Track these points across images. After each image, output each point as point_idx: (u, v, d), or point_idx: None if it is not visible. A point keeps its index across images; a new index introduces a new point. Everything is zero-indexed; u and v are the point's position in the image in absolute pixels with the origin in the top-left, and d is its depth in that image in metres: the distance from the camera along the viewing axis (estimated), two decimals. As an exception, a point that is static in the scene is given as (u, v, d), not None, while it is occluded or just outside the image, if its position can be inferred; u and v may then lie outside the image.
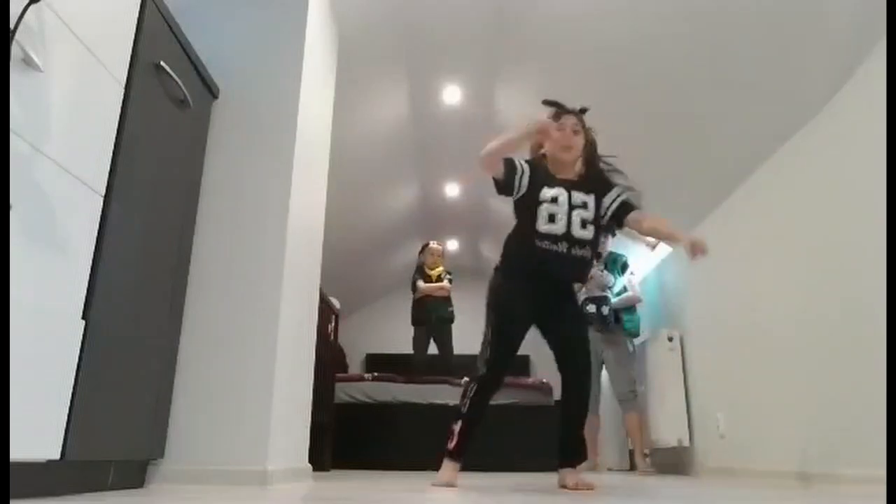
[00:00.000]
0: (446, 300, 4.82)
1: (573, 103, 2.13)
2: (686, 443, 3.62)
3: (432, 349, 4.80)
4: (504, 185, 2.05)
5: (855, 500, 1.50)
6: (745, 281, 3.05)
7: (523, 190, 2.03)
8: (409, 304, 4.87)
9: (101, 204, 1.34)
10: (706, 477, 3.24)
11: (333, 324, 3.57)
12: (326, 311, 3.23)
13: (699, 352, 3.65)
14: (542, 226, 1.97)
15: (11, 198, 1.02)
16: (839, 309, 2.30)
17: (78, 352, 1.26)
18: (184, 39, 1.76)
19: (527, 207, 2.01)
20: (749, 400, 2.97)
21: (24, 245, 1.08)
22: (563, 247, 1.96)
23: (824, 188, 2.44)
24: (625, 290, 3.97)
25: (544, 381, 3.96)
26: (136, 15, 1.51)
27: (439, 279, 4.85)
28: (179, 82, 1.70)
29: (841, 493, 1.78)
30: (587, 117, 2.12)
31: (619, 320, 3.91)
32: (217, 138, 2.04)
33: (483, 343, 2.06)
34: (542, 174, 2.06)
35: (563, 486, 1.91)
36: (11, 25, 1.03)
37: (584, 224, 1.99)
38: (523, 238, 2.01)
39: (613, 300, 3.93)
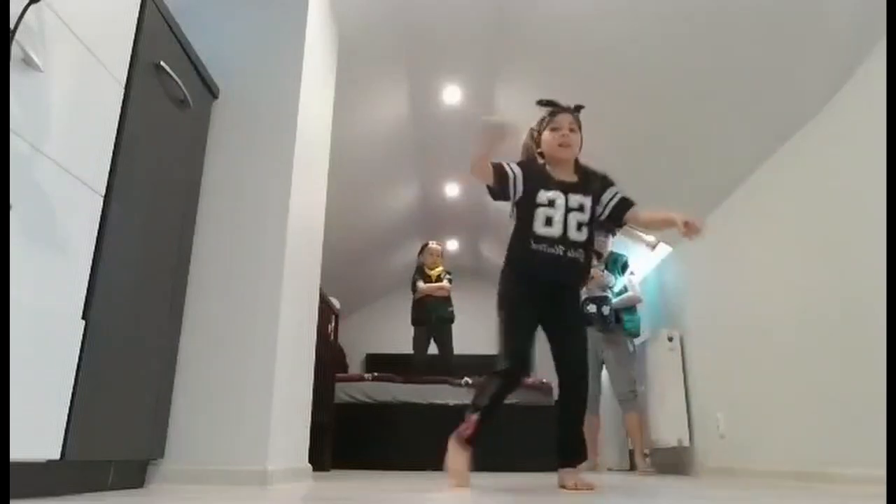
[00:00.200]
0: (446, 300, 4.83)
1: (571, 103, 2.12)
2: (686, 443, 3.62)
3: (432, 349, 4.80)
4: (497, 192, 2.04)
5: (855, 500, 1.50)
6: (745, 281, 3.05)
7: (519, 194, 2.02)
8: (409, 304, 4.88)
9: (101, 204, 1.34)
10: (706, 477, 3.24)
11: (333, 324, 3.57)
12: (326, 311, 3.23)
13: (699, 352, 3.65)
14: (539, 229, 1.97)
15: (11, 198, 1.02)
16: (839, 309, 2.30)
17: (78, 352, 1.26)
18: (184, 39, 1.77)
19: (524, 210, 2.01)
20: (749, 400, 2.97)
21: (24, 245, 1.08)
22: (559, 250, 1.96)
23: (824, 188, 2.44)
24: (625, 289, 3.97)
25: (544, 381, 3.96)
26: (136, 15, 1.51)
27: (439, 279, 4.85)
28: (179, 82, 1.70)
29: (841, 493, 1.78)
30: (581, 115, 2.11)
31: (620, 320, 3.91)
32: (217, 138, 2.04)
33: (499, 346, 2.01)
34: (537, 175, 2.04)
35: (563, 486, 1.91)
36: (11, 25, 1.03)
37: (579, 227, 1.98)
38: (521, 241, 2.00)
39: (614, 300, 3.93)
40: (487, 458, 3.59)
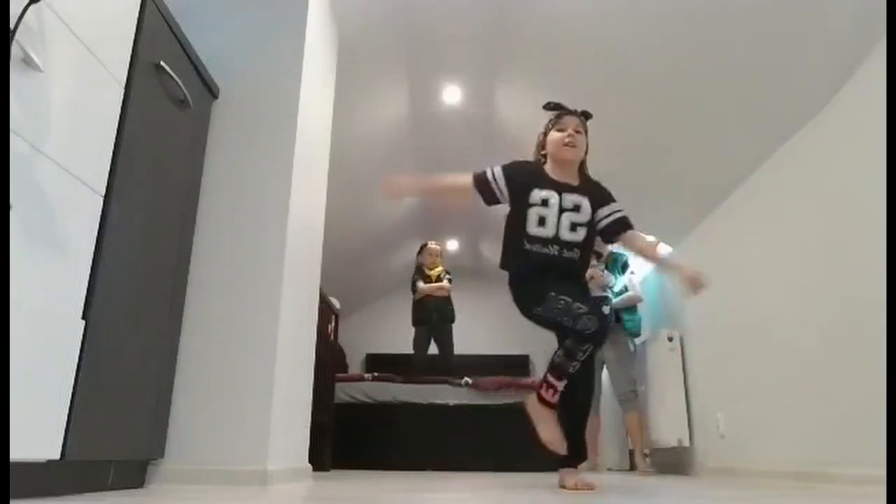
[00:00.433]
0: (446, 300, 4.83)
1: (573, 103, 2.12)
2: (686, 443, 3.62)
3: (433, 349, 4.80)
4: (486, 197, 2.05)
5: (855, 500, 1.50)
6: (745, 281, 3.05)
7: (506, 193, 2.02)
8: (409, 303, 4.88)
9: (101, 204, 1.34)
10: (706, 477, 3.24)
11: (333, 324, 3.57)
12: (326, 311, 3.23)
13: (699, 352, 3.65)
14: (532, 229, 1.97)
15: (11, 198, 1.02)
16: (839, 309, 2.30)
17: (78, 352, 1.26)
18: (184, 39, 1.77)
19: (517, 210, 2.01)
20: (749, 400, 2.97)
21: (24, 245, 1.08)
22: (553, 250, 1.95)
23: (824, 188, 2.44)
24: (625, 289, 3.97)
25: (544, 381, 3.96)
26: (136, 15, 1.51)
27: (439, 279, 4.85)
28: (179, 82, 1.70)
29: (841, 493, 1.78)
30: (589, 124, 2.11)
31: (620, 320, 3.92)
32: (217, 138, 2.04)
33: (560, 323, 1.86)
34: (528, 176, 2.04)
35: (563, 487, 1.91)
36: (11, 25, 1.03)
37: (573, 227, 1.97)
38: (514, 240, 2.00)
39: (614, 300, 3.93)
40: (488, 458, 3.62)
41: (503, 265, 2.07)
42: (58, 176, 1.19)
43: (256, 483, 1.70)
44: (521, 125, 3.70)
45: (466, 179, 2.07)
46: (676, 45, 2.60)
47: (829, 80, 2.33)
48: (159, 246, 1.69)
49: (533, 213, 1.97)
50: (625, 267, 4.08)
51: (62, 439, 1.20)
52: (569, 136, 2.02)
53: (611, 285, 3.99)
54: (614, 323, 3.88)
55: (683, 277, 1.89)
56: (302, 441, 2.20)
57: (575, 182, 2.05)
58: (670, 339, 3.84)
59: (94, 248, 1.32)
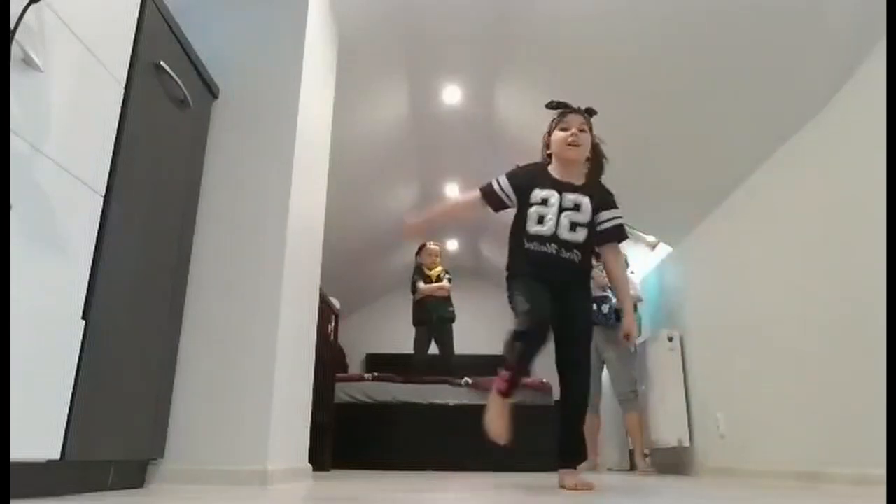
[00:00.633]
0: (447, 300, 4.83)
1: (574, 103, 2.12)
2: (686, 443, 3.62)
3: (433, 349, 4.80)
4: (496, 206, 2.10)
5: (855, 500, 1.50)
6: (744, 281, 3.05)
7: (514, 199, 2.06)
8: (409, 303, 4.88)
9: (101, 204, 1.34)
10: (706, 477, 3.24)
11: (333, 324, 3.57)
12: (326, 311, 3.23)
13: (699, 352, 3.65)
14: (532, 227, 1.98)
15: (11, 198, 1.02)
16: (839, 309, 2.30)
17: (78, 352, 1.26)
18: (184, 39, 1.76)
19: (520, 210, 2.04)
20: (749, 400, 2.97)
21: (24, 245, 1.08)
22: (552, 248, 1.96)
23: (824, 188, 2.44)
24: (626, 289, 3.97)
25: (544, 381, 3.96)
26: (136, 15, 1.51)
27: (438, 279, 4.85)
28: (179, 82, 1.70)
29: (841, 493, 1.78)
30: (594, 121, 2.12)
31: (620, 319, 3.91)
32: (217, 138, 2.04)
33: (515, 313, 1.92)
34: (532, 177, 2.05)
35: (563, 487, 1.91)
36: (11, 25, 1.03)
37: (573, 226, 1.97)
38: (516, 240, 2.02)
39: (614, 300, 3.93)
40: (488, 458, 3.61)
41: (508, 267, 2.08)
42: (58, 176, 1.19)
43: (256, 483, 1.70)
44: (521, 125, 3.71)
45: (474, 194, 2.13)
46: (676, 45, 2.60)
47: (829, 80, 2.33)
48: (159, 246, 1.69)
49: (533, 212, 1.98)
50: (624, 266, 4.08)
51: (62, 439, 1.20)
52: (572, 135, 2.02)
53: (610, 285, 3.99)
54: (615, 322, 3.89)
55: (623, 327, 2.13)
56: (302, 441, 2.20)
57: (579, 181, 2.05)
58: (670, 339, 3.84)
59: (94, 248, 1.32)
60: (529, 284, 1.96)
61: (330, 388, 3.46)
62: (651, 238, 4.20)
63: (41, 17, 1.13)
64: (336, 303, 3.62)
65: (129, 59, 1.47)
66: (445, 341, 4.78)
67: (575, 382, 2.01)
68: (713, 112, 2.80)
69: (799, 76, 2.39)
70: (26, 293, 1.09)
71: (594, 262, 3.89)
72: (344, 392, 3.88)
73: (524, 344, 1.86)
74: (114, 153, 1.39)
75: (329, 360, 3.37)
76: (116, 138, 1.40)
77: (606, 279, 3.95)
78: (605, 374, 3.98)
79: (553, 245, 1.96)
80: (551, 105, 2.10)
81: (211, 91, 2.01)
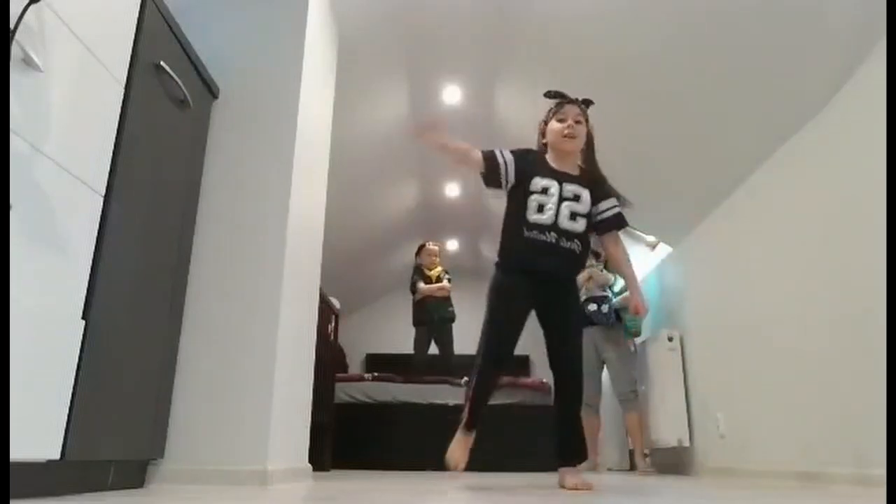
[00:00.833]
0: (447, 300, 4.83)
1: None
2: (686, 443, 3.62)
3: (433, 350, 4.80)
4: (489, 179, 2.07)
5: (855, 500, 1.50)
6: (745, 281, 3.05)
7: (512, 180, 2.04)
8: (409, 303, 4.88)
9: (101, 204, 1.34)
10: (706, 477, 3.24)
11: (333, 324, 3.57)
12: (326, 311, 3.23)
13: (699, 352, 3.65)
14: (531, 216, 1.97)
15: (11, 198, 1.02)
16: (839, 309, 2.30)
17: (78, 352, 1.26)
18: (184, 39, 1.76)
19: (517, 198, 2.02)
20: (749, 400, 2.97)
21: (24, 245, 1.08)
22: (551, 237, 1.96)
23: (824, 188, 2.44)
24: (625, 289, 3.97)
25: (544, 381, 3.97)
26: (136, 15, 1.51)
27: (438, 279, 4.85)
28: (179, 82, 1.70)
29: (841, 493, 1.78)
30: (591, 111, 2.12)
31: (621, 319, 3.92)
32: (217, 138, 2.04)
33: (480, 342, 2.07)
34: (532, 164, 2.05)
35: (563, 486, 1.91)
36: (11, 25, 1.03)
37: (573, 216, 1.98)
38: (513, 228, 2.01)
39: (614, 299, 3.93)
40: (488, 458, 3.61)
41: (500, 255, 2.08)
42: (58, 176, 1.19)
43: (256, 483, 1.70)
44: (521, 125, 3.70)
45: (475, 155, 2.08)
46: (676, 45, 2.60)
47: (829, 81, 2.33)
48: (159, 246, 1.69)
49: (533, 201, 1.98)
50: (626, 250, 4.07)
51: (62, 439, 1.20)
52: (568, 126, 2.03)
53: (610, 284, 3.99)
54: (615, 322, 3.89)
55: (630, 304, 2.09)
56: (302, 441, 2.20)
57: (575, 172, 2.06)
58: (670, 339, 3.84)
59: (94, 248, 1.32)
60: (508, 303, 2.02)
61: (330, 388, 3.46)
62: (651, 238, 4.20)
63: (41, 17, 1.13)
64: (336, 303, 3.62)
65: (129, 59, 1.47)
66: (445, 341, 4.77)
67: (569, 377, 2.01)
68: (713, 112, 2.80)
69: (799, 76, 2.39)
70: (26, 293, 1.09)
71: (594, 261, 3.93)
72: (344, 392, 3.88)
73: (481, 381, 2.02)
74: (114, 153, 1.39)
75: (329, 360, 3.37)
76: (116, 138, 1.40)
77: (606, 278, 3.96)
78: (605, 374, 3.98)
79: (553, 234, 1.96)
80: (549, 94, 2.10)
81: (211, 91, 2.01)
